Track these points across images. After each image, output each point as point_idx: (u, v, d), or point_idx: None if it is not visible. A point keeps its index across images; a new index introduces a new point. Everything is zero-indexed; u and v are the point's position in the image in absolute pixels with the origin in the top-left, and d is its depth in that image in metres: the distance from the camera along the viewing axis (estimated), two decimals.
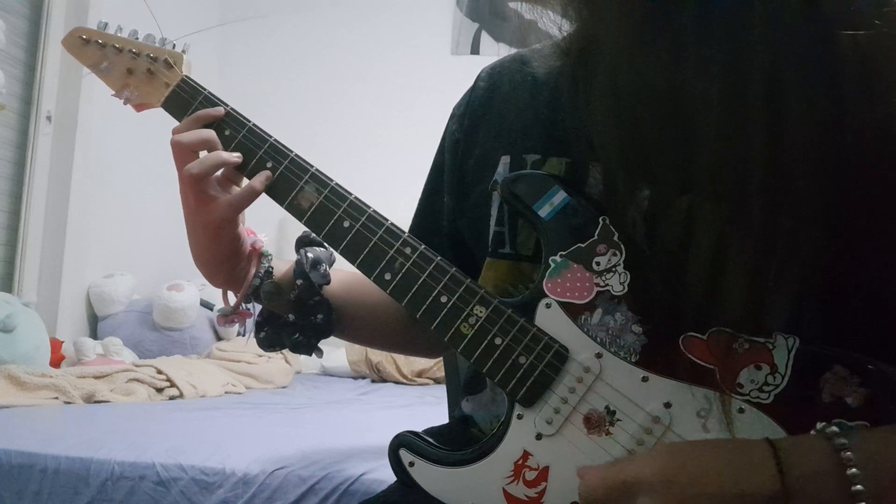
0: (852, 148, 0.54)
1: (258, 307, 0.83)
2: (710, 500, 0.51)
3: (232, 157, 0.75)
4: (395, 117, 3.34)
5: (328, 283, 0.80)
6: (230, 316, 0.82)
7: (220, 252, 0.78)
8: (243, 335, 0.87)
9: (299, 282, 0.79)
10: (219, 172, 0.76)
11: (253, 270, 0.80)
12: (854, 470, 0.50)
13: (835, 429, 0.52)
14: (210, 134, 0.76)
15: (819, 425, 0.53)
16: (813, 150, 0.54)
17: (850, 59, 0.53)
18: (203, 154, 0.76)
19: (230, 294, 0.83)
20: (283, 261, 0.83)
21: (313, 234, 0.79)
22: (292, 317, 0.81)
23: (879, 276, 0.58)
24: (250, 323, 0.84)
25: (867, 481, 0.50)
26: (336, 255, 0.76)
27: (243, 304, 0.82)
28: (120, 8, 1.51)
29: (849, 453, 0.50)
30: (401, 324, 0.87)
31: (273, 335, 0.83)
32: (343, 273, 0.84)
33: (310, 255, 0.80)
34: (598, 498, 0.56)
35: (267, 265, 0.81)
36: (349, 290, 0.85)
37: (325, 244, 0.77)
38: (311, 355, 0.83)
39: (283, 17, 3.43)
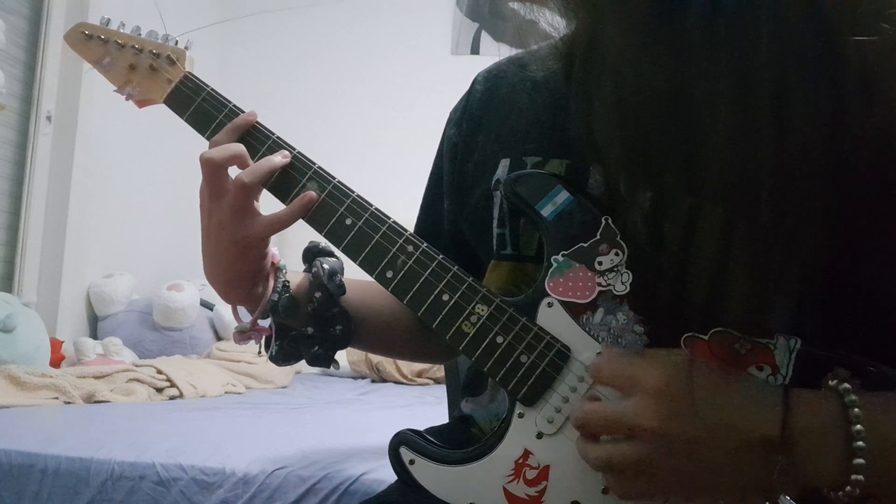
0: (855, 150, 0.54)
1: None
2: (704, 424, 0.53)
3: (281, 159, 0.73)
4: (394, 117, 3.34)
5: (344, 293, 0.79)
6: (248, 333, 0.80)
7: (245, 270, 0.75)
8: (261, 353, 0.84)
9: (318, 294, 0.77)
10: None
11: (271, 285, 0.77)
12: (859, 426, 0.51)
13: (847, 385, 0.53)
14: (241, 149, 0.73)
15: (832, 382, 0.54)
16: (816, 151, 0.54)
17: (853, 61, 0.53)
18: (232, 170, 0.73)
19: (241, 309, 0.80)
20: (295, 273, 0.81)
21: (323, 244, 0.78)
22: (311, 330, 0.79)
23: (881, 277, 0.58)
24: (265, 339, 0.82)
25: (869, 439, 0.51)
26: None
27: (259, 321, 0.79)
28: (120, 8, 1.51)
29: (857, 410, 0.51)
30: (416, 331, 0.86)
31: (289, 349, 0.80)
32: (353, 282, 0.83)
33: (325, 265, 0.79)
34: (604, 379, 0.59)
35: (283, 279, 0.78)
36: (363, 298, 0.83)
37: (334, 252, 0.75)
38: (328, 367, 0.81)
39: (283, 16, 3.43)
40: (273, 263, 0.78)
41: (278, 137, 0.76)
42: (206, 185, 0.73)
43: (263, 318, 0.79)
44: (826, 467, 0.52)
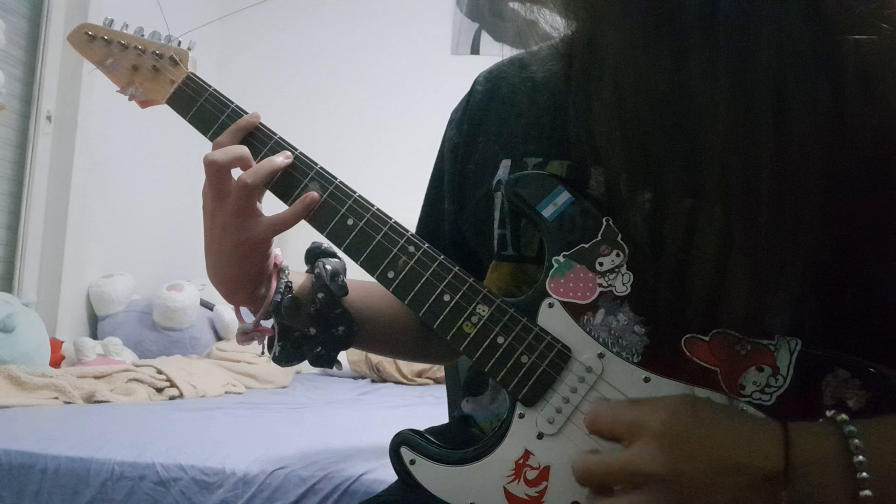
0: (854, 150, 0.54)
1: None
2: (709, 463, 0.52)
3: (283, 160, 0.73)
4: (394, 117, 3.34)
5: (346, 294, 0.79)
6: (251, 333, 0.80)
7: (248, 271, 0.75)
8: (263, 354, 0.84)
9: (321, 295, 0.77)
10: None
11: (273, 286, 0.77)
12: (861, 457, 0.50)
13: (845, 416, 0.52)
14: (244, 151, 0.74)
15: (829, 412, 0.53)
16: (816, 151, 0.54)
17: (852, 61, 0.53)
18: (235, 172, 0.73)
19: (244, 310, 0.80)
20: (297, 273, 0.81)
21: (325, 244, 0.78)
22: (313, 330, 0.79)
23: (881, 279, 0.58)
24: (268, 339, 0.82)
25: (873, 469, 0.50)
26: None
27: (261, 321, 0.79)
28: (120, 8, 1.51)
29: (857, 441, 0.51)
30: (418, 331, 0.86)
31: (292, 350, 0.80)
32: (355, 282, 0.83)
33: (328, 266, 0.79)
34: (602, 427, 0.57)
35: (286, 280, 0.78)
36: (364, 298, 0.83)
37: (336, 253, 0.75)
38: (331, 368, 0.81)
39: (283, 16, 3.43)
40: (276, 264, 0.78)
41: (280, 138, 0.76)
42: (209, 186, 0.73)
43: (266, 318, 0.79)
44: (832, 499, 0.51)
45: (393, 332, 0.87)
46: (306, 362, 0.81)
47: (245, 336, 0.80)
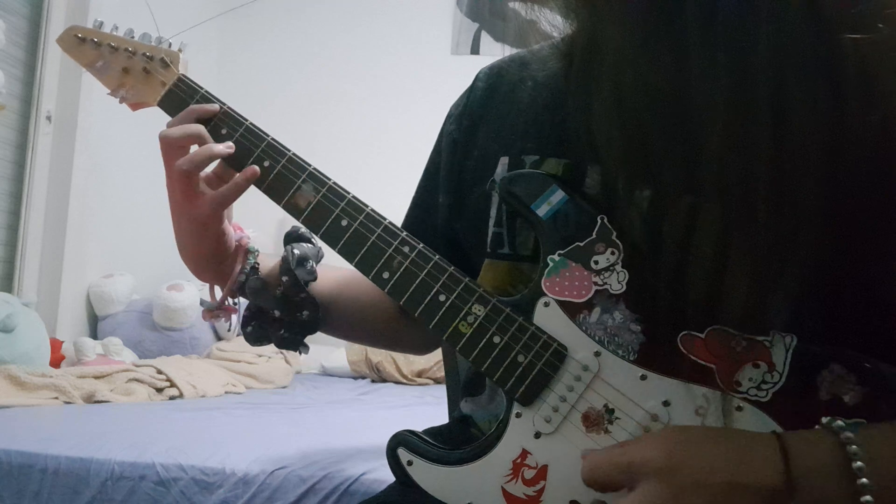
0: (852, 148, 0.54)
1: (244, 303, 0.83)
2: (713, 489, 0.51)
3: (222, 149, 0.75)
4: (394, 117, 3.34)
5: (314, 279, 0.80)
6: (215, 311, 0.83)
7: (206, 248, 0.79)
8: (229, 330, 0.88)
9: (285, 278, 0.79)
10: (210, 168, 0.76)
11: (238, 267, 0.80)
12: (860, 463, 0.50)
13: (840, 423, 0.52)
14: (199, 129, 0.76)
15: (825, 420, 0.53)
16: (814, 150, 0.54)
17: (851, 61, 0.53)
18: (193, 149, 0.76)
19: (217, 290, 0.83)
20: (270, 256, 0.84)
21: (302, 230, 0.79)
22: (278, 313, 0.81)
23: (877, 275, 0.58)
24: (236, 318, 0.84)
25: (872, 475, 0.50)
26: (324, 251, 0.77)
27: (229, 300, 0.82)
28: (120, 8, 1.51)
29: (854, 447, 0.50)
30: (391, 322, 0.87)
31: (259, 330, 0.84)
32: (343, 271, 0.84)
33: (296, 251, 0.80)
34: (600, 478, 0.56)
35: (253, 261, 0.81)
36: (343, 287, 0.85)
37: (312, 238, 0.77)
38: (297, 351, 0.84)
39: (283, 16, 3.43)
40: (241, 245, 0.81)
41: (273, 139, 0.76)
42: (164, 164, 0.76)
43: (233, 297, 0.82)
44: None
45: (367, 319, 0.88)
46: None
47: (210, 313, 0.83)
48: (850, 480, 0.50)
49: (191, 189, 0.75)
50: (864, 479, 0.49)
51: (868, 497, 0.49)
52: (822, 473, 0.51)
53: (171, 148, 0.75)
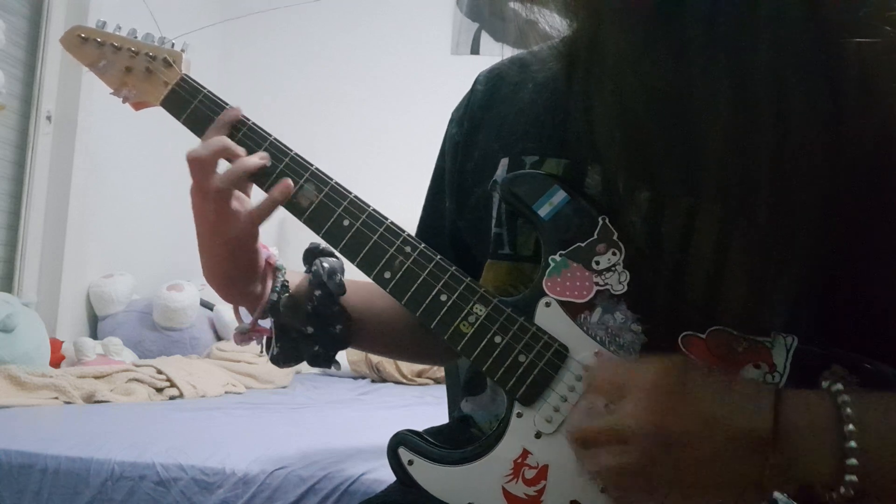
0: (852, 150, 0.54)
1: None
2: (691, 418, 0.52)
3: (257, 161, 0.73)
4: (394, 117, 3.34)
5: (344, 292, 0.79)
6: (248, 333, 0.80)
7: (239, 268, 0.76)
8: (261, 354, 0.84)
9: (318, 293, 0.78)
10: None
11: (269, 285, 0.78)
12: (851, 426, 0.50)
13: (839, 386, 0.53)
14: (227, 142, 0.73)
15: (825, 383, 0.54)
16: (814, 152, 0.54)
17: (853, 63, 0.53)
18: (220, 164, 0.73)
19: (242, 310, 0.81)
20: (295, 273, 0.82)
21: (323, 245, 0.78)
22: (311, 329, 0.79)
23: (877, 276, 0.58)
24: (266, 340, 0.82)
25: (861, 440, 0.50)
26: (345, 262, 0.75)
27: (259, 321, 0.80)
28: (120, 8, 1.52)
29: (849, 410, 0.51)
30: (417, 332, 0.86)
31: (290, 349, 0.81)
32: (366, 284, 0.82)
33: (325, 265, 0.79)
34: (598, 385, 0.58)
35: (282, 279, 0.79)
36: (364, 298, 0.84)
37: (335, 253, 0.76)
38: (329, 367, 0.81)
39: (284, 16, 3.43)
40: (270, 263, 0.78)
41: (276, 139, 0.76)
42: (194, 184, 0.73)
43: (263, 317, 0.79)
44: (819, 467, 0.51)
45: (392, 332, 0.87)
46: (305, 363, 0.81)
47: (243, 336, 0.80)
48: (839, 442, 0.51)
49: (228, 208, 0.72)
50: (853, 443, 0.50)
51: (853, 460, 0.50)
52: (811, 431, 0.52)
53: (204, 167, 0.72)
